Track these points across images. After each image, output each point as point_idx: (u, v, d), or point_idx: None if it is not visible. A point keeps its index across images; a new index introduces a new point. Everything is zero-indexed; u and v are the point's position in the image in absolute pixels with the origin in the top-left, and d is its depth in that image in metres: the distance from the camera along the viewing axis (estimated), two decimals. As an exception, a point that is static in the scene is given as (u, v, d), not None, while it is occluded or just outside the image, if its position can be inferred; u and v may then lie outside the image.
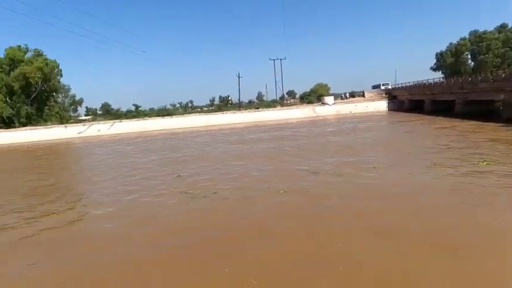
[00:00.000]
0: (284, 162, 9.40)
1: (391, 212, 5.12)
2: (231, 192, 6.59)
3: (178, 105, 65.14)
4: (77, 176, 10.30)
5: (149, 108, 52.19)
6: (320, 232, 4.59)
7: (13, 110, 34.81)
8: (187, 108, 66.03)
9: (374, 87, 43.66)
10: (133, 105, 52.98)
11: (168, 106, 56.34)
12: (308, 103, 39.99)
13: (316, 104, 35.89)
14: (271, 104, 44.13)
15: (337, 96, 39.45)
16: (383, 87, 40.06)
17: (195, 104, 77.77)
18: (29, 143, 25.35)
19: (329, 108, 32.57)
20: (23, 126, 32.14)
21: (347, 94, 41.79)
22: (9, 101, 35.06)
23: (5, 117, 34.02)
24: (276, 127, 22.04)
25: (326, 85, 53.30)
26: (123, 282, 3.57)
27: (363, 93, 37.95)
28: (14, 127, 32.27)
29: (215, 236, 4.58)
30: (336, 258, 3.77)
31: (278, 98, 51.24)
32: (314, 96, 45.61)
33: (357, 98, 37.35)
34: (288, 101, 54.07)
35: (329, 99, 34.32)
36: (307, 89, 53.39)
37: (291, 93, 70.63)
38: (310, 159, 9.67)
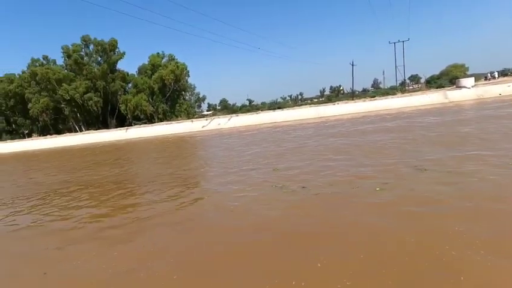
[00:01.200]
0: (388, 157, 7.85)
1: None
2: (322, 188, 5.98)
3: (288, 98, 66.16)
4: (201, 166, 11.06)
5: (261, 102, 54.95)
6: (424, 236, 3.69)
7: (153, 107, 42.13)
8: (297, 101, 66.35)
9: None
10: (247, 100, 57.07)
11: (279, 99, 57.87)
12: (437, 87, 33.94)
13: (449, 88, 30.03)
14: (390, 91, 39.40)
15: (478, 77, 32.08)
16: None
17: (305, 96, 77.50)
18: (167, 135, 29.98)
19: (467, 92, 26.60)
20: (160, 122, 38.39)
21: (495, 74, 33.56)
22: (151, 100, 42.52)
23: (148, 114, 41.60)
24: (393, 117, 19.28)
25: (463, 65, 44.45)
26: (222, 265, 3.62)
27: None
28: (154, 122, 38.90)
29: (305, 231, 4.30)
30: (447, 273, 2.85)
31: (398, 84, 45.76)
32: (445, 79, 38.58)
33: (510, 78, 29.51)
34: (411, 87, 47.52)
35: (468, 81, 28.02)
36: (436, 72, 45.72)
37: (414, 78, 62.17)
38: (422, 153, 7.77)
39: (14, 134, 46.60)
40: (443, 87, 32.54)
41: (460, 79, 29.58)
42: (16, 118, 46.04)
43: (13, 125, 47.26)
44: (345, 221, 4.48)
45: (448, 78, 39.03)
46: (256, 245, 4.10)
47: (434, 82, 40.60)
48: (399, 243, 3.60)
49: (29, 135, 45.23)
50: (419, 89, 39.40)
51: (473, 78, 29.07)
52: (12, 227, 5.93)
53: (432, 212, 4.32)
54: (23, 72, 44.64)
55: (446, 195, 4.86)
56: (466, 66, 45.33)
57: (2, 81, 45.33)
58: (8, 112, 46.00)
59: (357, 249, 3.59)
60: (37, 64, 44.04)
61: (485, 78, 34.81)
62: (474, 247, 3.32)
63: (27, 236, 5.42)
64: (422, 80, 52.89)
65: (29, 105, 42.21)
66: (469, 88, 27.03)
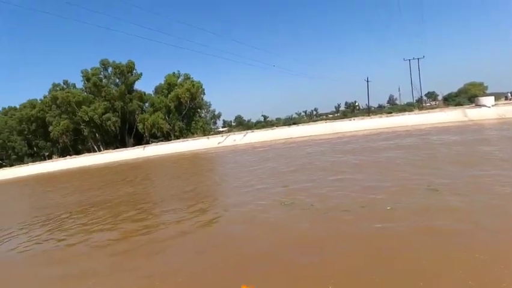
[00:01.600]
0: (403, 175, 7.66)
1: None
2: (332, 206, 5.94)
3: (303, 114, 66.16)
4: (217, 183, 11.18)
5: (276, 118, 54.90)
6: (443, 263, 3.49)
7: (170, 125, 42.87)
8: (312, 116, 66.26)
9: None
10: (262, 116, 57.26)
11: (294, 115, 57.96)
12: (456, 105, 33.15)
13: (468, 106, 29.27)
14: (407, 108, 38.67)
15: (498, 97, 31.03)
16: None
17: (320, 111, 77.35)
18: (184, 152, 30.17)
19: (487, 111, 25.76)
20: (177, 139, 38.89)
21: (519, 93, 32.15)
22: (167, 118, 43.37)
23: (164, 132, 42.34)
24: (410, 134, 18.76)
25: (481, 84, 43.70)
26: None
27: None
28: (171, 139, 39.46)
29: (315, 252, 4.28)
30: None
31: (415, 101, 45.15)
32: (464, 97, 37.74)
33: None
34: (428, 104, 46.78)
35: (487, 100, 27.18)
36: (453, 90, 44.99)
37: (431, 95, 61.22)
38: (437, 173, 7.51)
39: (36, 156, 47.93)
40: (462, 105, 31.70)
41: (480, 97, 28.79)
42: (38, 141, 47.57)
43: (34, 148, 48.83)
44: (351, 237, 4.45)
45: (466, 96, 38.13)
46: (270, 267, 4.03)
47: (452, 100, 39.66)
48: (408, 265, 3.52)
49: (50, 157, 46.48)
50: (437, 106, 38.50)
51: (493, 97, 28.24)
52: (30, 252, 6.00)
53: (444, 236, 4.14)
54: (45, 97, 46.45)
55: (458, 219, 4.62)
56: (485, 85, 44.47)
57: (25, 106, 47.43)
58: (30, 136, 47.67)
59: (366, 270, 3.57)
60: (58, 88, 45.66)
61: (506, 98, 33.70)
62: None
63: (43, 261, 5.46)
64: (440, 97, 51.75)
65: (50, 128, 43.65)
66: (489, 107, 26.20)
